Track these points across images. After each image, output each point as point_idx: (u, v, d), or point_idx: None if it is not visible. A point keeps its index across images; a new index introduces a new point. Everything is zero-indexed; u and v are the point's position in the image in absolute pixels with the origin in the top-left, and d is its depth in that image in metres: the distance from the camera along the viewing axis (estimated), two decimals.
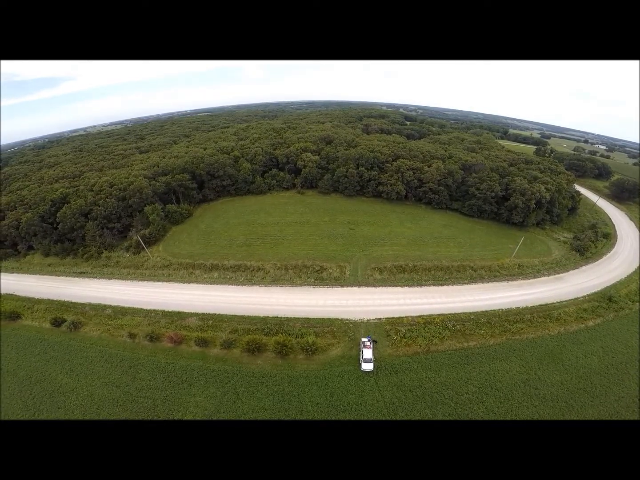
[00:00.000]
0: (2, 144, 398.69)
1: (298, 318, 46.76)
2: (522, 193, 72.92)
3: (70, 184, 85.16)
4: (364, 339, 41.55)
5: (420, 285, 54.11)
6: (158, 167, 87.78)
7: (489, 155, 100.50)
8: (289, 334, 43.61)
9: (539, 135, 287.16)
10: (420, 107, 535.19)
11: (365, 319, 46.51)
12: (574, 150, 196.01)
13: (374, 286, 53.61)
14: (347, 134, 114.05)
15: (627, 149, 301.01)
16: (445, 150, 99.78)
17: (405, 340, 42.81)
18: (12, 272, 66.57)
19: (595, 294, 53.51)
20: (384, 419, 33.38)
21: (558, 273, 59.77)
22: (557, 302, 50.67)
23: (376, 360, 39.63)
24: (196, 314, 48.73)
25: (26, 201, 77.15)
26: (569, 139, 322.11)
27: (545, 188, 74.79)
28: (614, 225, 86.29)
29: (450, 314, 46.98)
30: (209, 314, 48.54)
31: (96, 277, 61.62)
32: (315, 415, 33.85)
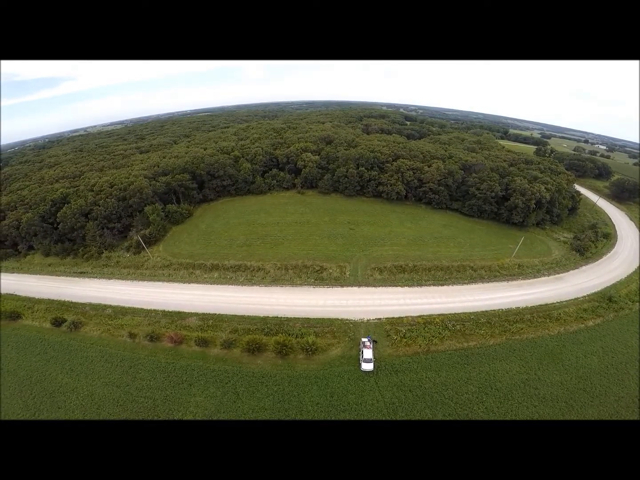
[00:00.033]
0: (2, 144, 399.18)
1: (298, 318, 46.77)
2: (522, 193, 72.91)
3: (71, 184, 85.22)
4: (364, 339, 41.55)
5: (420, 285, 54.11)
6: (158, 167, 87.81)
7: (489, 155, 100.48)
8: (289, 334, 43.60)
9: (539, 135, 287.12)
10: (420, 107, 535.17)
11: (365, 319, 46.51)
12: (574, 150, 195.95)
13: (374, 286, 53.61)
14: (347, 134, 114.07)
15: (628, 149, 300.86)
16: (446, 150, 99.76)
17: (405, 340, 42.81)
18: (13, 272, 66.60)
19: (595, 294, 53.49)
20: (384, 419, 33.36)
21: (558, 273, 59.76)
22: (557, 302, 50.65)
23: (376, 360, 39.62)
24: (196, 314, 48.74)
25: (26, 201, 77.21)
26: (569, 139, 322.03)
27: (545, 188, 74.77)
28: (614, 225, 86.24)
29: (450, 314, 46.97)
30: (209, 314, 48.56)
31: (96, 277, 61.65)
32: (315, 415, 33.84)
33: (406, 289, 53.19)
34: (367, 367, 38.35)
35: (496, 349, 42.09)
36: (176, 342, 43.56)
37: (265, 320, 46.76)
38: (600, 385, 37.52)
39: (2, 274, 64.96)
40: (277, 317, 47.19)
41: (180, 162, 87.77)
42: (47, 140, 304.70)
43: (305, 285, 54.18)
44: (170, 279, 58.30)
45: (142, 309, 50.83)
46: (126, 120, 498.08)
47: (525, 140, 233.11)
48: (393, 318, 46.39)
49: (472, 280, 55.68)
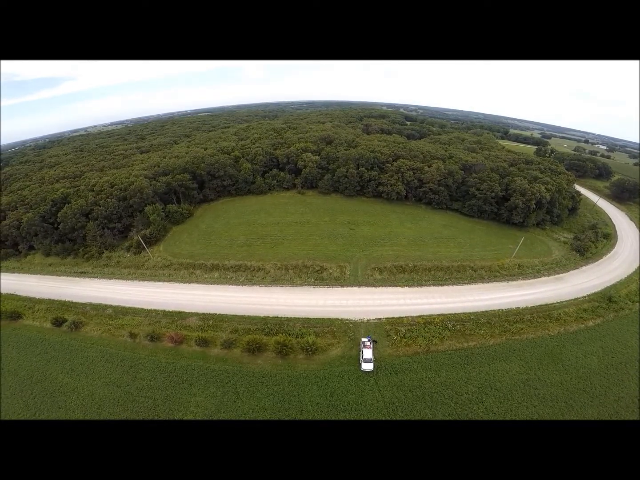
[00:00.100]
0: (2, 144, 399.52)
1: (298, 318, 46.77)
2: (523, 193, 72.87)
3: (71, 184, 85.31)
4: (364, 339, 41.55)
5: (420, 285, 54.10)
6: (159, 167, 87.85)
7: (489, 155, 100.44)
8: (289, 334, 43.61)
9: (539, 136, 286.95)
10: (420, 107, 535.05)
11: (365, 319, 46.50)
12: (575, 151, 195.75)
13: (374, 286, 53.60)
14: (347, 134, 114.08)
15: (628, 149, 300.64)
16: (446, 151, 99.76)
17: (405, 340, 42.81)
18: (13, 272, 66.66)
19: (595, 294, 53.46)
20: (383, 418, 33.36)
21: (558, 273, 59.73)
22: (557, 303, 50.63)
23: (376, 360, 39.62)
24: (197, 314, 48.76)
25: (27, 201, 77.28)
26: (569, 139, 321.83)
27: (545, 188, 74.73)
28: (614, 225, 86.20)
29: (450, 314, 46.96)
30: (210, 313, 48.57)
31: (97, 277, 61.68)
32: (315, 415, 33.84)
33: (406, 289, 53.18)
34: (367, 367, 38.36)
35: (496, 349, 42.07)
36: (176, 342, 43.58)
37: (265, 320, 46.77)
38: (600, 386, 37.50)
39: (3, 274, 65.01)
40: (277, 317, 47.19)
41: (181, 162, 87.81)
42: (47, 140, 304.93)
43: (305, 285, 54.19)
44: (170, 279, 58.33)
45: (142, 309, 50.86)
46: (126, 120, 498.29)
47: (525, 140, 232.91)
48: (393, 318, 46.39)
49: (472, 280, 55.66)
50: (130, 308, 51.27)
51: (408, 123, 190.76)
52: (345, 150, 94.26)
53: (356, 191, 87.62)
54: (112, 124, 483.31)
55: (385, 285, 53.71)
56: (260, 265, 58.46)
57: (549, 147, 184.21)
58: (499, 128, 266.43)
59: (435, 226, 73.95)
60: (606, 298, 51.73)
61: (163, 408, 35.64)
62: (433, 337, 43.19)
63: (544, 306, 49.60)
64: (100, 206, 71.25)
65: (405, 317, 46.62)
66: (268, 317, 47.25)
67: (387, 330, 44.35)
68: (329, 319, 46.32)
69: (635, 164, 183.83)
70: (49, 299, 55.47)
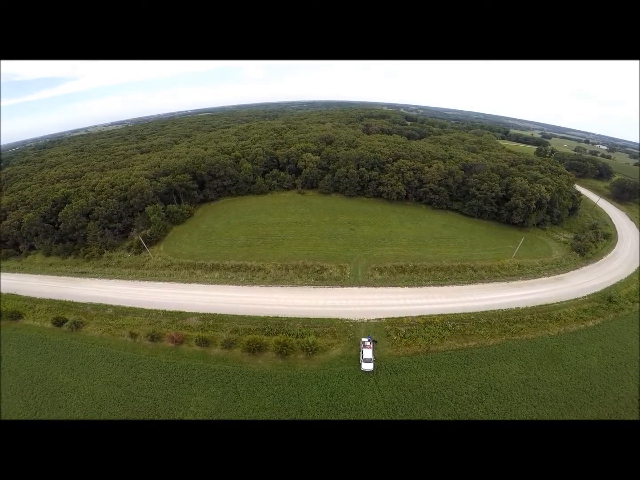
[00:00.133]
0: (3, 144, 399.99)
1: (298, 318, 46.79)
2: (523, 193, 72.85)
3: (72, 184, 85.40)
4: (364, 339, 41.56)
5: (421, 285, 54.10)
6: (159, 167, 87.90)
7: (490, 155, 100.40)
8: (290, 334, 43.64)
9: (539, 136, 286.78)
10: (420, 107, 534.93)
11: (366, 319, 46.51)
12: (575, 151, 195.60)
13: (374, 286, 53.61)
14: (347, 134, 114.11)
15: (629, 149, 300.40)
16: (446, 151, 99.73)
17: (405, 340, 42.81)
18: (14, 272, 66.73)
19: (596, 294, 53.44)
20: (383, 418, 33.38)
21: (558, 273, 59.71)
22: (557, 303, 50.61)
23: (376, 360, 39.63)
24: (197, 314, 48.79)
25: (28, 201, 77.38)
26: (570, 139, 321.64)
27: (545, 188, 74.68)
28: (614, 225, 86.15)
29: (450, 314, 46.96)
30: (210, 313, 48.60)
31: (97, 277, 61.74)
32: (315, 414, 33.86)
33: (406, 289, 53.18)
34: (367, 367, 38.37)
35: (496, 349, 42.07)
36: (177, 342, 43.61)
37: (265, 320, 46.78)
38: (599, 386, 37.49)
39: (4, 274, 65.08)
40: (277, 317, 47.21)
41: (181, 162, 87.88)
42: (48, 140, 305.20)
43: (305, 285, 54.21)
44: (171, 279, 58.37)
45: (143, 309, 50.91)
46: (127, 120, 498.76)
47: (525, 140, 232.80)
48: (393, 318, 46.39)
49: (472, 280, 55.65)
50: (130, 308, 51.32)
51: (408, 123, 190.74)
52: (345, 150, 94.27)
53: (356, 191, 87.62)
54: (112, 124, 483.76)
55: (385, 286, 53.71)
56: (261, 266, 58.48)
57: (549, 147, 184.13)
58: (500, 128, 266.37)
59: (435, 226, 73.93)
60: (606, 298, 51.71)
61: (163, 408, 35.67)
62: (433, 337, 43.19)
63: (544, 306, 49.59)
64: (100, 206, 71.31)
65: (405, 317, 46.62)
66: (268, 317, 47.27)
67: (387, 330, 44.35)
68: (329, 319, 46.33)
69: (635, 164, 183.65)
70: (50, 299, 55.54)
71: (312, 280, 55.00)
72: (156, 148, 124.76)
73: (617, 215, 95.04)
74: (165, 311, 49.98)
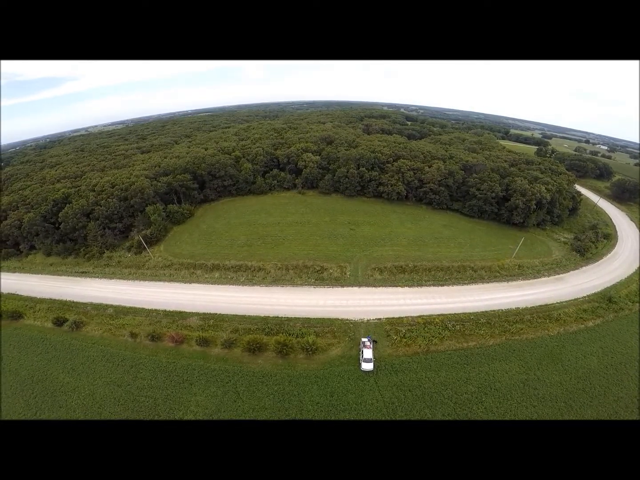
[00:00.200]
0: (3, 143, 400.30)
1: (298, 318, 46.81)
2: (523, 193, 72.83)
3: (72, 184, 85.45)
4: (364, 339, 41.57)
5: (421, 285, 54.10)
6: (159, 167, 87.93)
7: (490, 155, 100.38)
8: (290, 334, 43.66)
9: (540, 136, 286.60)
10: (421, 107, 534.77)
11: (366, 319, 46.52)
12: (575, 151, 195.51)
13: (374, 286, 53.61)
14: (347, 134, 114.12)
15: (629, 149, 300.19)
16: (446, 151, 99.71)
17: (405, 340, 42.81)
18: (14, 272, 66.77)
19: (595, 294, 53.43)
20: (383, 418, 33.40)
21: (558, 274, 59.70)
22: (557, 303, 50.60)
23: (376, 360, 39.64)
24: (197, 314, 48.81)
25: (28, 201, 77.43)
26: (570, 139, 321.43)
27: (545, 188, 74.67)
28: (614, 225, 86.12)
29: (450, 314, 46.96)
30: (210, 313, 48.62)
31: (98, 277, 61.78)
32: (315, 414, 33.88)
33: (406, 289, 53.19)
34: (367, 367, 38.38)
35: (496, 349, 42.07)
36: (177, 342, 43.63)
37: (265, 320, 46.80)
38: (599, 386, 37.48)
39: (4, 274, 65.12)
40: (277, 317, 47.23)
41: (182, 162, 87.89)
42: (48, 140, 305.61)
43: (305, 285, 54.22)
44: (171, 279, 58.40)
45: (143, 308, 50.94)
46: (127, 120, 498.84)
47: (526, 140, 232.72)
48: (393, 318, 46.40)
49: (472, 280, 55.65)
50: (131, 308, 51.35)
51: (409, 123, 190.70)
52: (345, 150, 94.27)
53: (357, 191, 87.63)
54: (112, 123, 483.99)
55: (385, 286, 53.72)
56: (261, 266, 58.50)
57: (549, 147, 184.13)
58: (500, 128, 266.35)
59: (435, 226, 73.93)
60: (606, 298, 51.70)
61: (164, 407, 35.69)
62: (433, 337, 43.20)
63: (543, 306, 49.58)
64: (101, 206, 71.37)
65: (405, 317, 46.62)
66: (268, 317, 47.29)
67: (387, 330, 44.36)
68: (329, 319, 46.34)
69: (635, 164, 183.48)
70: (50, 299, 55.59)
71: (312, 280, 55.00)
72: (156, 148, 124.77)
73: (617, 216, 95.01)
74: (165, 311, 50.01)
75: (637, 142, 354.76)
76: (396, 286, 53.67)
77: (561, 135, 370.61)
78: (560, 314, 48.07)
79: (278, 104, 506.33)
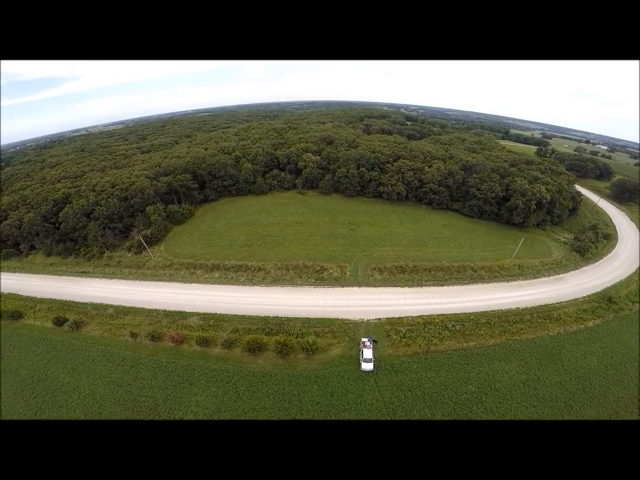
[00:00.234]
0: (3, 143, 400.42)
1: (298, 318, 46.81)
2: (523, 194, 72.84)
3: (72, 184, 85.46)
4: (364, 339, 41.57)
5: (421, 285, 54.10)
6: (159, 167, 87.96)
7: (490, 155, 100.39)
8: (290, 334, 43.67)
9: (540, 136, 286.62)
10: (421, 107, 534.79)
11: (366, 319, 46.52)
12: (575, 151, 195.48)
13: (374, 286, 53.62)
14: (347, 134, 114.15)
15: (629, 149, 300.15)
16: (446, 151, 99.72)
17: (405, 340, 42.81)
18: (15, 272, 66.79)
19: (595, 294, 53.43)
20: (383, 418, 33.41)
21: (558, 274, 59.69)
22: (557, 303, 50.60)
23: (376, 360, 39.64)
24: (197, 314, 48.82)
25: (28, 201, 77.45)
26: (570, 139, 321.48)
27: (545, 189, 74.68)
28: (614, 226, 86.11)
29: (450, 314, 46.96)
30: (210, 313, 48.63)
31: (98, 277, 61.80)
32: (315, 414, 33.88)
33: (406, 289, 53.19)
34: (367, 367, 38.38)
35: (496, 349, 42.07)
36: (177, 342, 43.64)
37: (265, 320, 46.81)
38: (599, 386, 37.48)
39: (4, 274, 65.14)
40: (277, 317, 47.24)
41: (182, 162, 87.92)
42: (48, 140, 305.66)
43: (305, 285, 54.23)
44: (171, 278, 58.41)
45: (143, 308, 50.95)
46: (127, 120, 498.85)
47: (526, 140, 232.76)
48: (393, 318, 46.40)
49: (472, 280, 55.65)
50: (131, 308, 51.36)
51: (409, 123, 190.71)
52: (345, 150, 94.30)
53: (357, 191, 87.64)
54: (112, 123, 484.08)
55: (385, 286, 53.72)
56: (261, 266, 58.51)
57: (549, 147, 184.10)
58: (500, 128, 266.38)
59: (435, 226, 73.94)
60: (606, 298, 51.69)
61: (164, 407, 35.70)
62: (433, 337, 43.20)
63: (543, 306, 49.58)
64: (101, 206, 71.39)
65: (405, 317, 46.63)
66: (268, 317, 47.30)
67: (387, 330, 44.36)
68: (329, 319, 46.35)
69: (636, 165, 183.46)
70: (50, 299, 55.60)
71: (312, 280, 55.01)
72: (157, 148, 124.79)
73: (617, 216, 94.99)
74: (165, 311, 50.02)
75: (637, 142, 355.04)
76: (396, 286, 53.67)
77: (561, 135, 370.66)
78: (560, 314, 48.07)
79: (278, 104, 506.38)
